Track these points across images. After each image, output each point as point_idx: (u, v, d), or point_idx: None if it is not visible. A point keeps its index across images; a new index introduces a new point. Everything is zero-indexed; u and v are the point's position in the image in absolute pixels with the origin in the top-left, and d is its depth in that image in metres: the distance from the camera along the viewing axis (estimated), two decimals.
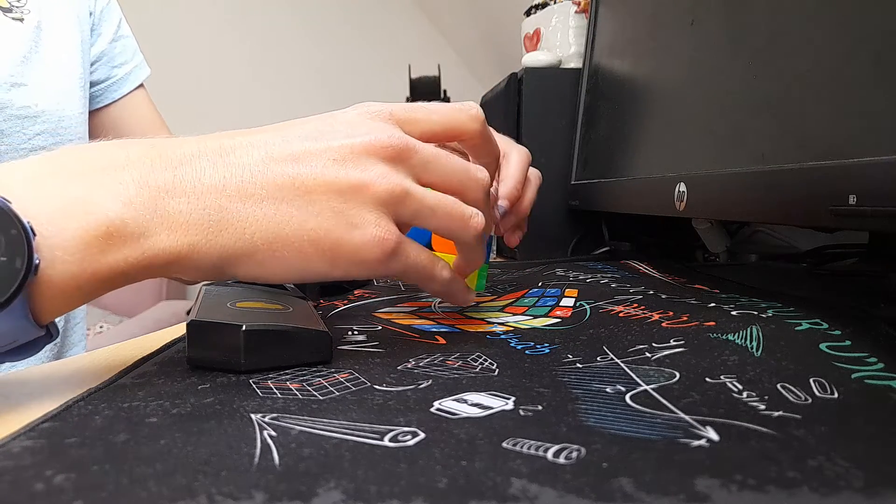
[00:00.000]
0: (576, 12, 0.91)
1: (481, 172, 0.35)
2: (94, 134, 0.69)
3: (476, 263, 0.37)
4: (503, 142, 0.55)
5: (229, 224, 0.28)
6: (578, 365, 0.31)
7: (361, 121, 0.32)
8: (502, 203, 0.52)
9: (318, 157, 0.30)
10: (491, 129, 0.38)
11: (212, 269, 0.29)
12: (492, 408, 0.25)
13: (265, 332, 0.31)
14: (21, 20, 0.55)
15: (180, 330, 0.42)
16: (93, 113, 0.69)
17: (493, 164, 0.41)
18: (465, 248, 0.36)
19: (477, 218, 0.34)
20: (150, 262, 0.27)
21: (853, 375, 0.27)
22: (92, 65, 0.67)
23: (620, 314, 0.41)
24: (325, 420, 0.24)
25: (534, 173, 0.56)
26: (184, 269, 0.28)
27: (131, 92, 0.72)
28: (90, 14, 0.65)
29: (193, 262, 0.28)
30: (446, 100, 1.63)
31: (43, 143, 0.55)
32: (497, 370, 0.31)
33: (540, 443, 0.21)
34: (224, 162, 0.29)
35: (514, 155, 0.54)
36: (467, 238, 0.34)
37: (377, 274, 0.32)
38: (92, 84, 0.67)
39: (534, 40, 0.97)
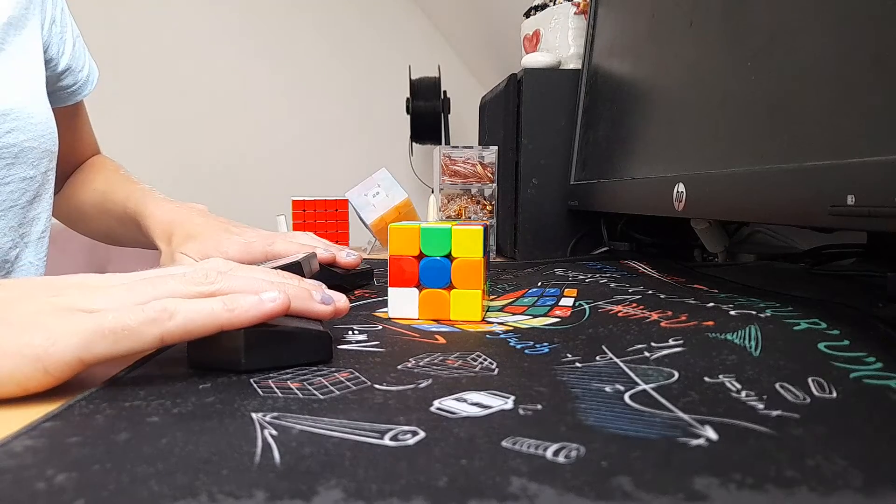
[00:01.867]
0: (575, 13, 0.92)
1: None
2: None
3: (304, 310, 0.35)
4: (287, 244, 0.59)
5: None
6: (578, 364, 0.31)
7: None
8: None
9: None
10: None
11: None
12: (491, 407, 0.25)
13: (265, 333, 0.31)
14: None
15: None
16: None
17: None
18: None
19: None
20: None
21: (851, 375, 0.27)
22: (62, 74, 0.66)
23: (619, 314, 0.41)
24: (325, 419, 0.24)
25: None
26: None
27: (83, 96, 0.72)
28: (52, 23, 0.64)
29: None
30: (447, 100, 1.63)
31: (14, 140, 0.54)
32: (496, 369, 0.31)
33: (539, 442, 0.21)
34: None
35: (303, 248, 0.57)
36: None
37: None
38: (63, 88, 0.68)
39: (533, 41, 0.97)
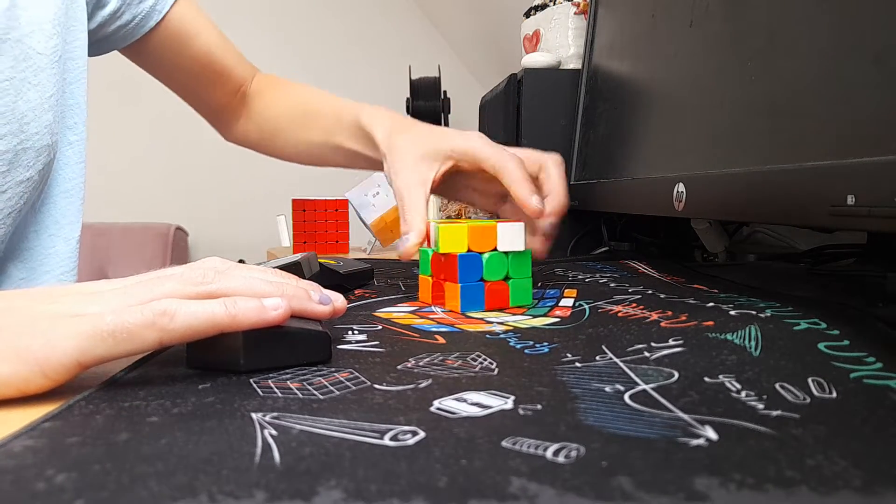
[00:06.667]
0: (575, 14, 0.92)
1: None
2: (146, 58, 0.67)
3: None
4: (535, 154, 0.57)
5: None
6: (577, 364, 0.31)
7: None
8: (549, 220, 0.54)
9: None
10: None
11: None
12: (491, 407, 0.25)
13: (264, 333, 0.31)
14: None
15: None
16: (128, 48, 0.66)
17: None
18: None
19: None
20: None
21: (851, 375, 0.27)
22: (115, 13, 0.62)
23: (619, 314, 0.41)
24: (325, 419, 0.24)
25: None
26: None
27: (163, 20, 0.65)
28: None
29: None
30: (447, 101, 1.63)
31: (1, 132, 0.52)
32: (496, 369, 0.31)
33: (539, 442, 0.21)
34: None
35: (552, 169, 0.56)
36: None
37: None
38: (121, 27, 0.64)
39: (533, 41, 0.97)
